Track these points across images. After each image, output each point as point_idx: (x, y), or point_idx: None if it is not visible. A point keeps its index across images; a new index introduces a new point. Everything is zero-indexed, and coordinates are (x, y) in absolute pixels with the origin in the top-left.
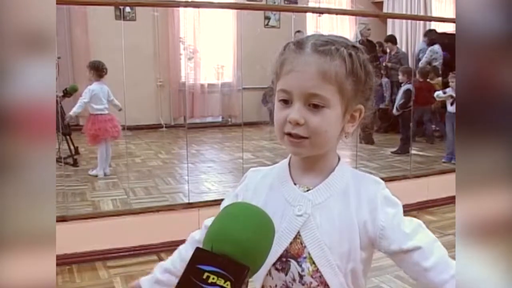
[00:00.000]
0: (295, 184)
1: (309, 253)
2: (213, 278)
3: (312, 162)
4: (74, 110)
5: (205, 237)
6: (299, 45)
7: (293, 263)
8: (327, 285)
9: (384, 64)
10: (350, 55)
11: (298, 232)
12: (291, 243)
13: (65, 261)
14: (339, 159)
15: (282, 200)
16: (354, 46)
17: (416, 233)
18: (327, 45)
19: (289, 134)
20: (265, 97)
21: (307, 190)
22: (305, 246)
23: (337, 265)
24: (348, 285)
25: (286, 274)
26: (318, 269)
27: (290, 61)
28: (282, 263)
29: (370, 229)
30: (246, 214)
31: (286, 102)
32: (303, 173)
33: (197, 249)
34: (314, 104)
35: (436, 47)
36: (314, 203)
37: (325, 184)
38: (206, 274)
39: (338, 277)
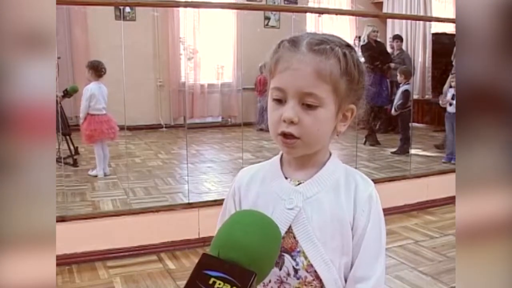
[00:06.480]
0: (286, 178)
1: (302, 248)
2: (219, 284)
3: (304, 160)
4: (81, 116)
5: (211, 244)
6: (294, 43)
7: (287, 257)
8: (322, 280)
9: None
10: (344, 54)
11: (290, 226)
12: (283, 238)
13: (65, 261)
14: (330, 154)
15: (273, 195)
16: (348, 45)
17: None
18: (322, 44)
19: (283, 134)
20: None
21: (298, 184)
22: (298, 241)
23: (330, 260)
24: (341, 279)
25: (280, 269)
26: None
27: (285, 59)
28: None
29: (351, 226)
30: (252, 221)
31: (280, 102)
32: (295, 169)
33: (204, 255)
34: (308, 104)
35: None
36: (305, 197)
37: (316, 178)
38: (212, 280)
39: (331, 272)
